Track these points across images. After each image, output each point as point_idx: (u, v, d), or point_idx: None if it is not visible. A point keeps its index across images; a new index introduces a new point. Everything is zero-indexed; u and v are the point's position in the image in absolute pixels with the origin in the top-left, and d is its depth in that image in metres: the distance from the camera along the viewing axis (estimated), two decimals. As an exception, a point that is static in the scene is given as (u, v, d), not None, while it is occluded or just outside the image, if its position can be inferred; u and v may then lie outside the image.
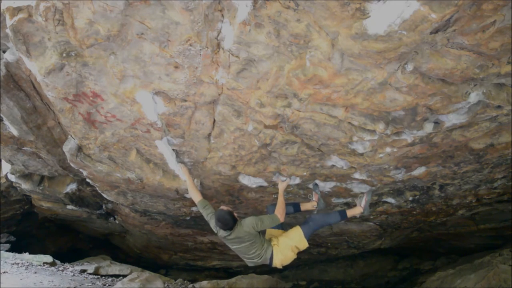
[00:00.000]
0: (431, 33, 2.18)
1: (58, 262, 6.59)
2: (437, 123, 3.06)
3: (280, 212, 3.58)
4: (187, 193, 4.52)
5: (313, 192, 4.16)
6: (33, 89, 3.79)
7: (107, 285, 5.77)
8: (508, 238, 6.33)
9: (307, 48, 2.52)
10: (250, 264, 3.73)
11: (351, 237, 6.30)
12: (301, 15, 2.31)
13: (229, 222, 3.40)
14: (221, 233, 3.51)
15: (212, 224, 3.58)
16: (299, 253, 3.71)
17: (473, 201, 4.88)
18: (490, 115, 2.95)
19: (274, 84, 2.81)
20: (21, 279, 5.05)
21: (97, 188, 4.99)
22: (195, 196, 3.83)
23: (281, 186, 3.91)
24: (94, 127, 3.58)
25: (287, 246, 3.60)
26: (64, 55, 2.79)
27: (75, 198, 6.09)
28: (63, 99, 3.23)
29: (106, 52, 2.80)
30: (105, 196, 5.15)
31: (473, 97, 2.75)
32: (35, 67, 2.92)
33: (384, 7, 2.11)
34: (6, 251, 6.81)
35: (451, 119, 3.01)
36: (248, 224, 3.44)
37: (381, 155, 3.51)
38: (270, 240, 3.66)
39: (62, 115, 3.44)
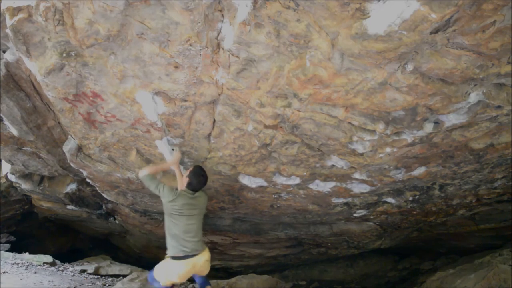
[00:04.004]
0: (431, 33, 2.18)
1: (58, 262, 6.59)
2: (437, 123, 3.06)
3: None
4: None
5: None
6: (33, 89, 3.79)
7: (107, 285, 5.77)
8: (508, 238, 6.33)
9: (307, 48, 2.52)
10: (183, 251, 3.64)
11: (351, 237, 6.29)
12: (301, 15, 2.31)
13: (206, 178, 3.73)
14: (183, 193, 3.64)
15: (168, 189, 3.59)
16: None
17: (473, 201, 4.88)
18: (490, 115, 2.95)
19: (274, 84, 2.81)
20: (21, 279, 5.05)
21: (97, 188, 4.99)
22: (151, 171, 3.67)
23: (176, 158, 3.76)
24: (94, 127, 3.58)
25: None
26: (64, 55, 2.79)
27: (75, 198, 6.08)
28: (63, 99, 3.23)
29: (106, 52, 2.80)
30: (105, 196, 5.15)
31: (473, 97, 2.74)
32: (35, 67, 2.92)
33: (384, 7, 2.11)
34: (6, 251, 6.81)
35: (451, 119, 3.01)
36: (205, 193, 3.86)
37: (381, 155, 3.51)
38: None
39: (62, 115, 3.44)
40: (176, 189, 3.73)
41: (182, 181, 3.83)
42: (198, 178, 3.66)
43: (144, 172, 3.67)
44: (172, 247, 3.69)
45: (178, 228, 3.64)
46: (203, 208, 3.83)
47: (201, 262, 3.72)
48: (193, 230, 3.66)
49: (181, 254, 3.65)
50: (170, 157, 3.86)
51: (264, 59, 2.64)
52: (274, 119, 3.16)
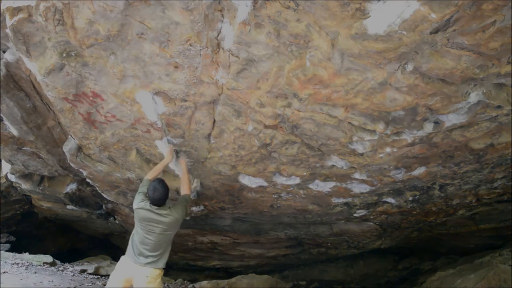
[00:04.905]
0: (431, 33, 2.18)
1: (58, 262, 6.59)
2: (437, 123, 3.06)
3: (188, 189, 3.76)
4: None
5: None
6: (33, 89, 3.79)
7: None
8: (508, 238, 6.33)
9: (307, 48, 2.52)
10: (134, 256, 3.38)
11: (351, 237, 6.30)
12: (301, 15, 2.31)
13: (165, 193, 3.42)
14: (148, 206, 3.36)
15: (139, 197, 3.44)
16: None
17: (473, 201, 4.88)
18: (490, 115, 2.95)
19: (274, 84, 2.81)
20: (21, 279, 5.05)
21: (97, 188, 4.99)
22: (153, 174, 3.64)
23: (183, 163, 3.80)
24: (94, 127, 3.58)
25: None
26: (64, 55, 2.80)
27: (75, 198, 6.09)
28: (63, 99, 3.24)
29: (106, 52, 2.80)
30: (105, 196, 5.15)
31: (473, 97, 2.75)
32: (35, 67, 2.92)
33: (384, 7, 2.11)
34: (6, 251, 6.81)
35: (451, 119, 3.01)
36: (180, 209, 3.50)
37: (381, 155, 3.51)
38: None
39: (62, 115, 3.45)
40: (146, 201, 3.43)
41: (186, 182, 3.77)
42: (153, 192, 3.37)
43: (146, 176, 3.67)
44: (127, 249, 3.47)
45: (137, 237, 3.42)
46: (171, 228, 3.46)
47: (140, 275, 3.33)
48: (150, 245, 3.37)
49: (130, 256, 3.41)
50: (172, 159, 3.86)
51: (264, 59, 2.64)
52: (274, 119, 3.16)
